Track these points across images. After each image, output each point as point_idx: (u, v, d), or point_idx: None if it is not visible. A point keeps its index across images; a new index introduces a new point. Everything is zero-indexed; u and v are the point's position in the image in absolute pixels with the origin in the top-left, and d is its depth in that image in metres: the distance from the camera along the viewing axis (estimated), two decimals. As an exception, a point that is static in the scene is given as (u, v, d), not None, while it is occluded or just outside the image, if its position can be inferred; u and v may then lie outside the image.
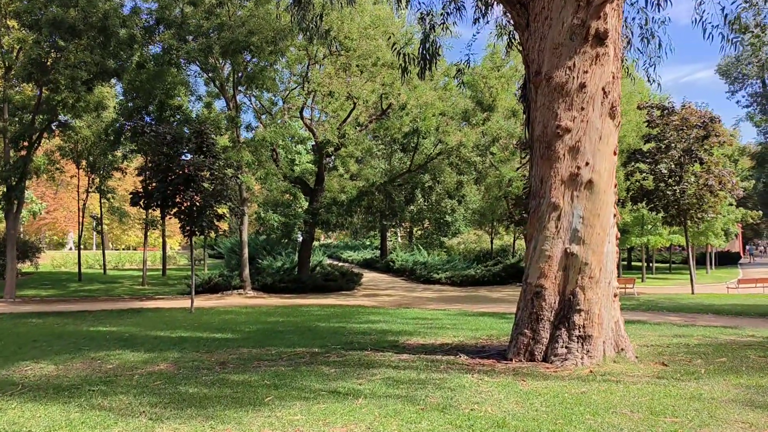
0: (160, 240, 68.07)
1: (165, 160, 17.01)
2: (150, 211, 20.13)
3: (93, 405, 5.84)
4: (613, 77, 8.72)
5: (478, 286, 33.48)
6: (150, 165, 17.67)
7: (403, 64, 11.53)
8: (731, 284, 27.92)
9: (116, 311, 18.53)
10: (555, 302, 8.36)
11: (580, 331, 8.13)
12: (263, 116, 31.20)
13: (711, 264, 50.59)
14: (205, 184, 16.98)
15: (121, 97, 31.78)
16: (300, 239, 32.98)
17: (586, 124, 8.50)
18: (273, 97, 32.86)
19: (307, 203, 30.93)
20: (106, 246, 78.59)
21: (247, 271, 27.06)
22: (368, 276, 39.43)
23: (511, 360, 8.38)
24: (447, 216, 44.58)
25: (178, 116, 28.74)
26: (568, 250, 8.33)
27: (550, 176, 8.56)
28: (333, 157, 34.95)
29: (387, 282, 36.51)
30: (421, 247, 46.21)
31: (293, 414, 5.36)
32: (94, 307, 20.16)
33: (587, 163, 8.42)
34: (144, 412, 5.52)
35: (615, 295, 8.60)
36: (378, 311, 18.13)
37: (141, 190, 17.50)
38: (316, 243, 69.60)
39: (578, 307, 8.19)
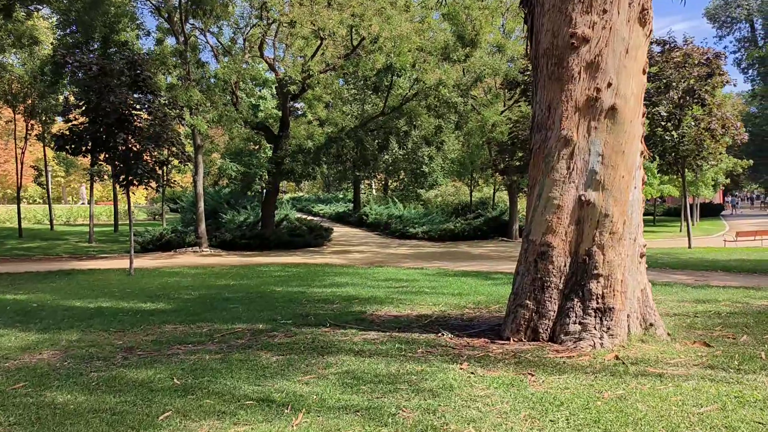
0: (123, 193, 65.38)
1: (94, 96, 14.75)
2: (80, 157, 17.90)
3: None
4: (646, -32, 6.83)
5: (457, 241, 31.95)
6: (77, 103, 15.38)
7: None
8: (728, 237, 26.78)
9: (43, 273, 16.52)
10: (565, 265, 6.64)
11: (598, 303, 6.44)
12: (225, 58, 28.62)
13: (696, 216, 49.81)
14: (142, 126, 14.82)
15: (61, 33, 28.93)
16: (265, 191, 30.92)
17: (609, 31, 6.62)
18: (233, 35, 30.23)
19: (272, 152, 28.77)
20: (64, 200, 75.31)
21: (203, 227, 25.06)
22: (340, 231, 37.69)
23: (509, 339, 6.69)
24: (424, 166, 42.72)
25: (126, 54, 26.11)
26: (584, 198, 6.57)
27: (560, 102, 6.72)
28: (299, 101, 32.66)
29: (359, 237, 34.82)
30: (396, 200, 44.43)
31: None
32: (20, 269, 18.11)
33: (609, 84, 6.59)
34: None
35: (642, 256, 6.91)
36: (346, 271, 16.40)
37: (68, 131, 15.27)
38: (286, 196, 67.48)
39: (596, 272, 6.49)
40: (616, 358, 5.78)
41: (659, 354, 5.87)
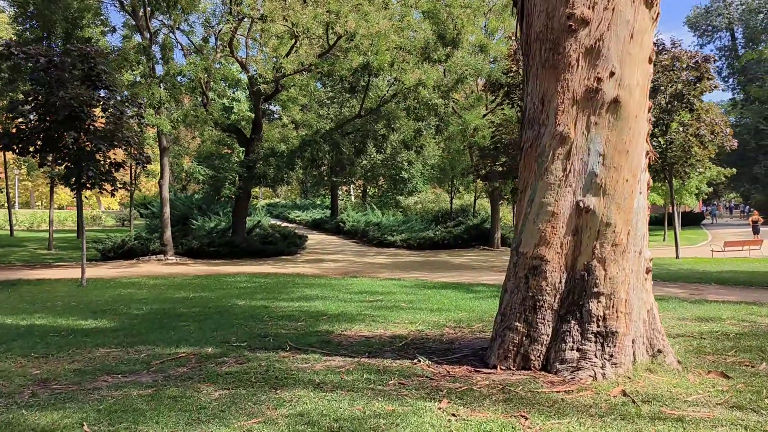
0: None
1: (43, 91, 13.68)
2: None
3: None
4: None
5: (437, 250, 31.16)
6: (26, 99, 14.29)
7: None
8: (715, 247, 26.32)
9: (-14, 284, 15.33)
10: (561, 282, 5.81)
11: (598, 325, 5.62)
12: (198, 58, 27.52)
13: (677, 225, 49.63)
14: (96, 124, 13.77)
15: (20, 27, 27.65)
16: (236, 196, 29.80)
17: (612, 12, 5.84)
18: (204, 34, 29.15)
19: (244, 155, 27.73)
20: (32, 205, 73.28)
21: (168, 233, 23.92)
22: (316, 238, 36.71)
23: (495, 367, 5.84)
24: (403, 172, 41.95)
25: (78, 46, 24.87)
26: (582, 204, 5.76)
27: (555, 93, 5.91)
28: (274, 104, 31.68)
29: (336, 245, 33.87)
30: (374, 207, 43.57)
31: None
32: (-35, 279, 16.86)
33: (612, 74, 5.79)
34: None
35: (647, 271, 6.10)
36: (318, 282, 15.47)
37: (14, 129, 14.16)
38: (261, 202, 66.18)
39: (596, 290, 5.67)
40: (624, 393, 4.95)
41: (672, 388, 5.05)
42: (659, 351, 5.87)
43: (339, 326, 8.28)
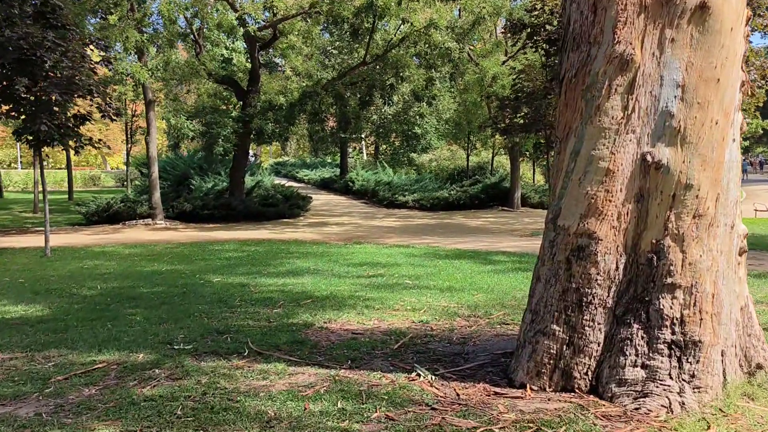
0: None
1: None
2: None
3: None
4: None
5: (452, 211, 29.51)
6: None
7: None
8: (760, 207, 24.47)
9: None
10: (618, 269, 4.21)
11: (674, 332, 4.04)
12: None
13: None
14: (57, 70, 12.16)
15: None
16: (233, 155, 28.18)
17: None
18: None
19: (241, 109, 26.01)
20: (33, 165, 72.45)
21: (157, 195, 22.45)
22: (323, 199, 35.18)
23: (524, 386, 4.29)
24: (416, 127, 40.00)
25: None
26: (650, 158, 4.12)
27: (613, -4, 4.19)
28: (274, 53, 29.77)
29: (343, 206, 32.32)
30: (385, 165, 41.77)
31: None
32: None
33: (697, -34, 4.06)
34: None
35: (741, 253, 4.47)
36: (315, 251, 13.97)
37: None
38: (270, 161, 64.56)
39: (670, 280, 4.07)
40: (722, 443, 3.38)
41: (793, 432, 3.47)
42: (758, 366, 4.28)
43: (323, 315, 6.75)
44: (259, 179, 29.76)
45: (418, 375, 4.59)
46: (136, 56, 21.79)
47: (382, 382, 4.43)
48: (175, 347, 5.36)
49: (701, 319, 4.05)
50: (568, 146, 4.41)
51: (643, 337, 4.09)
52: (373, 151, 54.57)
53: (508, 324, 6.28)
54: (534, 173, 40.58)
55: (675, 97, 4.13)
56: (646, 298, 4.13)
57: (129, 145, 42.52)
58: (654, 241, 4.16)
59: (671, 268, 4.09)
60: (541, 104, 18.80)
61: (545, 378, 4.28)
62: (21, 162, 67.02)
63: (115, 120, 13.78)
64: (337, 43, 32.41)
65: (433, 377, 4.54)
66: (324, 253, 13.47)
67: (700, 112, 4.11)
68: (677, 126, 4.11)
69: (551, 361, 4.27)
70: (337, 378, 4.51)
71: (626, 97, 4.18)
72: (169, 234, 19.24)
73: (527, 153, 29.51)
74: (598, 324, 4.21)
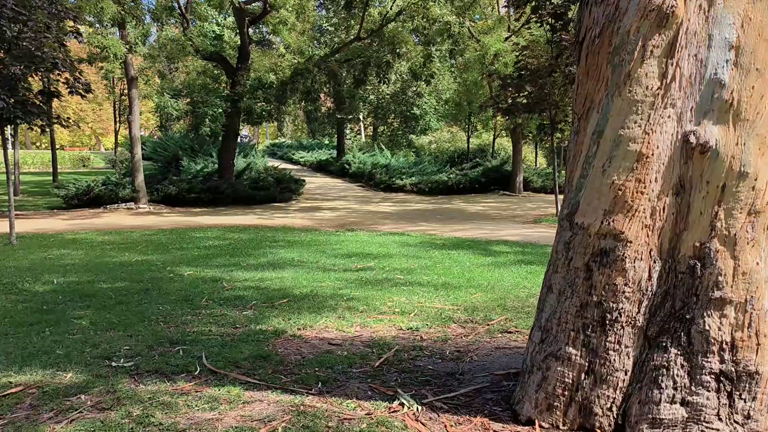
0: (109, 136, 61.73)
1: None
2: None
3: None
4: None
5: (451, 195, 28.75)
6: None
7: None
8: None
9: None
10: (651, 278, 3.40)
11: (723, 359, 3.24)
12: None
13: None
14: (19, 41, 11.24)
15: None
16: (222, 135, 27.24)
17: None
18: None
19: (230, 87, 25.05)
20: (27, 145, 71.36)
21: (141, 178, 21.59)
22: (318, 182, 34.36)
23: (532, 423, 3.50)
24: (415, 107, 39.05)
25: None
26: (695, 138, 3.30)
27: (650, -68, 3.33)
28: (265, 28, 28.76)
29: (338, 190, 31.50)
30: (383, 147, 40.84)
31: None
32: None
33: None
34: None
35: (806, 258, 3.64)
36: (302, 239, 13.17)
37: None
38: (267, 142, 63.51)
39: (717, 293, 3.27)
40: None
41: None
42: (827, 402, 3.47)
43: (298, 320, 5.95)
44: (250, 161, 28.91)
45: (402, 404, 3.79)
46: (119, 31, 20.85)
47: (356, 415, 3.63)
48: (114, 364, 4.55)
49: (758, 344, 3.24)
50: (589, 125, 3.57)
51: (683, 366, 3.29)
52: (371, 133, 53.58)
53: (510, 332, 5.49)
54: (536, 156, 39.70)
55: (727, 61, 3.28)
56: (687, 316, 3.32)
57: (117, 125, 41.55)
58: (697, 244, 3.34)
59: (719, 278, 3.27)
60: (545, 82, 17.89)
61: (558, 413, 3.48)
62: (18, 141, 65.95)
63: (85, 97, 12.94)
64: (334, 19, 31.40)
65: (420, 407, 3.75)
66: (312, 242, 12.68)
67: (759, 81, 3.27)
68: (729, 98, 3.27)
69: (566, 393, 3.47)
70: (302, 409, 3.71)
71: (665, 61, 3.33)
72: (151, 219, 18.42)
73: (530, 135, 28.62)
74: (626, 347, 3.40)
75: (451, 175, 30.21)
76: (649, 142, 3.34)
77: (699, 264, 3.32)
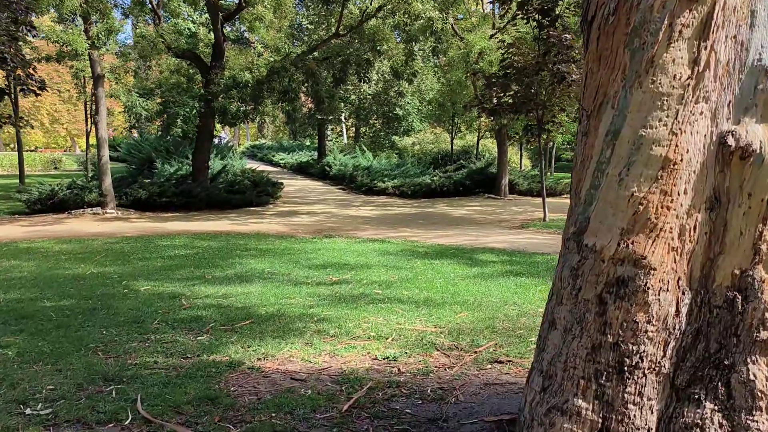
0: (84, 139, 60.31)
1: None
2: None
3: None
4: None
5: (434, 198, 28.10)
6: None
7: None
8: None
9: None
10: (679, 313, 2.76)
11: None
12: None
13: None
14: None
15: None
16: (195, 136, 26.40)
17: None
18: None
19: (203, 87, 24.26)
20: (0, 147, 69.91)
21: (108, 181, 20.68)
22: (297, 184, 33.58)
23: (532, 494, 2.84)
24: (397, 108, 38.44)
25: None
26: (732, 140, 2.66)
27: None
28: (241, 25, 28.00)
29: (318, 193, 30.75)
30: (364, 148, 40.15)
31: None
32: None
33: None
34: None
35: None
36: (276, 247, 12.46)
37: None
38: (246, 143, 62.51)
39: (765, 334, 2.63)
40: None
41: None
42: None
43: (258, 348, 5.26)
44: (225, 163, 28.08)
45: (372, 467, 3.13)
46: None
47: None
48: (28, 411, 3.83)
49: (816, 399, 2.62)
50: (602, 123, 2.93)
51: (721, 425, 2.65)
52: (353, 134, 52.91)
53: (501, 362, 4.84)
54: (521, 158, 39.22)
55: (773, 44, 2.66)
56: (726, 362, 2.69)
57: (88, 126, 40.47)
58: (737, 271, 2.71)
59: (766, 314, 2.65)
60: (532, 81, 17.31)
61: (565, 482, 2.83)
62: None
63: (39, 94, 12.13)
64: (312, 16, 30.68)
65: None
66: (285, 251, 11.97)
67: (813, 68, 2.65)
68: (777, 90, 2.65)
69: (574, 456, 2.82)
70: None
71: (696, 44, 2.70)
72: (117, 225, 17.58)
73: (516, 136, 28.10)
74: (649, 400, 2.76)
75: (435, 178, 29.58)
76: (676, 145, 2.71)
77: (740, 296, 2.70)
